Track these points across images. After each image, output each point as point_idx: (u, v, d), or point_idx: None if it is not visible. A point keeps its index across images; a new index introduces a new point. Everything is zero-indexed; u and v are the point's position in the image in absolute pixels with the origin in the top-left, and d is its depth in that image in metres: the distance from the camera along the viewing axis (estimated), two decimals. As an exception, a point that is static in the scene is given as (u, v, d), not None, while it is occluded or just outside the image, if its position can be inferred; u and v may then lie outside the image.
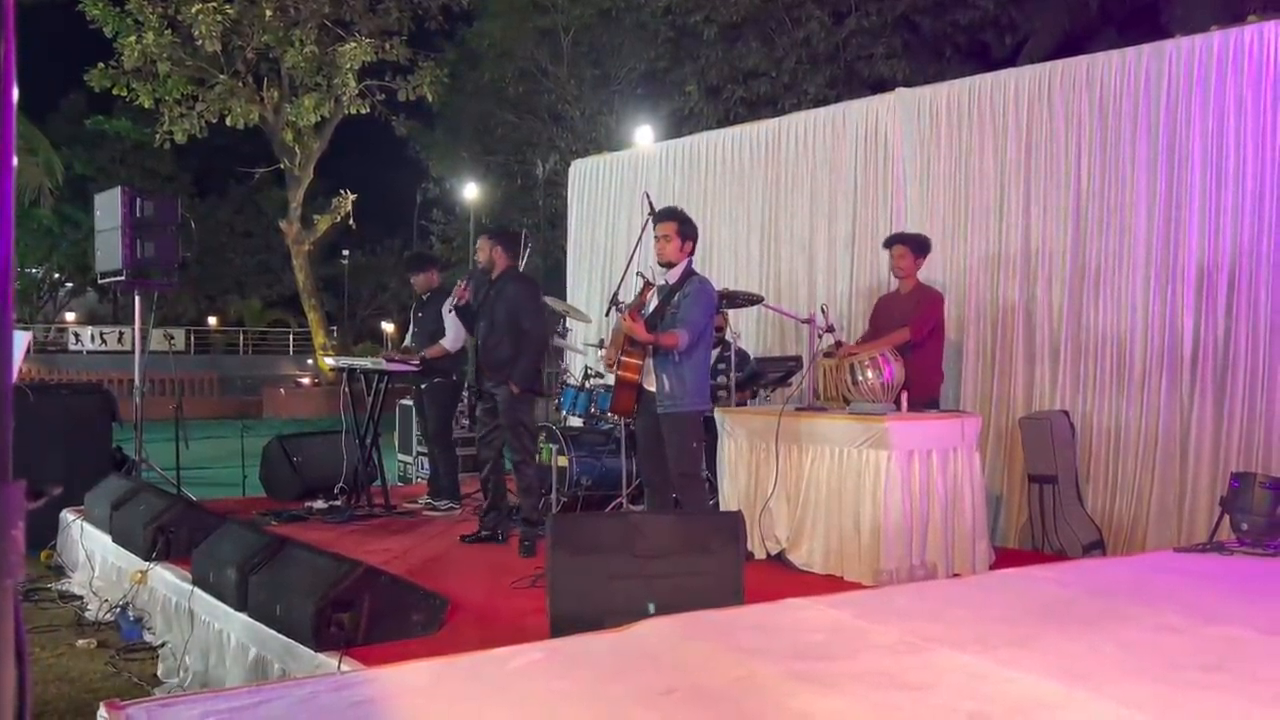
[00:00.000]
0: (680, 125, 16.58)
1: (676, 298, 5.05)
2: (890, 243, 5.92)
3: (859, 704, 2.40)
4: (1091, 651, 2.83)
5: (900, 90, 7.06)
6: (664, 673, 2.64)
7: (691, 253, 5.18)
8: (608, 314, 5.51)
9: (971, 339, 6.42)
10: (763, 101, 16.40)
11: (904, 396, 5.19)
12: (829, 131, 7.36)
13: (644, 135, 15.70)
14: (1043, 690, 2.50)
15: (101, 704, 2.30)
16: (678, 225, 5.13)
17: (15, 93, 0.88)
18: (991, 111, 6.38)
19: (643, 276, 5.32)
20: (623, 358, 5.04)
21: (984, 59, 15.20)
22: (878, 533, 4.81)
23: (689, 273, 5.14)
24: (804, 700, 2.42)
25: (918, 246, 5.81)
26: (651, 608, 3.44)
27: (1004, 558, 5.39)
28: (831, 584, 4.77)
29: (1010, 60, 13.67)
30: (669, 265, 5.14)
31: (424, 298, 7.23)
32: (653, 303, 5.17)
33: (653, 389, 5.04)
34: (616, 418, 6.30)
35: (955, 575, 4.94)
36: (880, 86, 12.67)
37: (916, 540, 4.91)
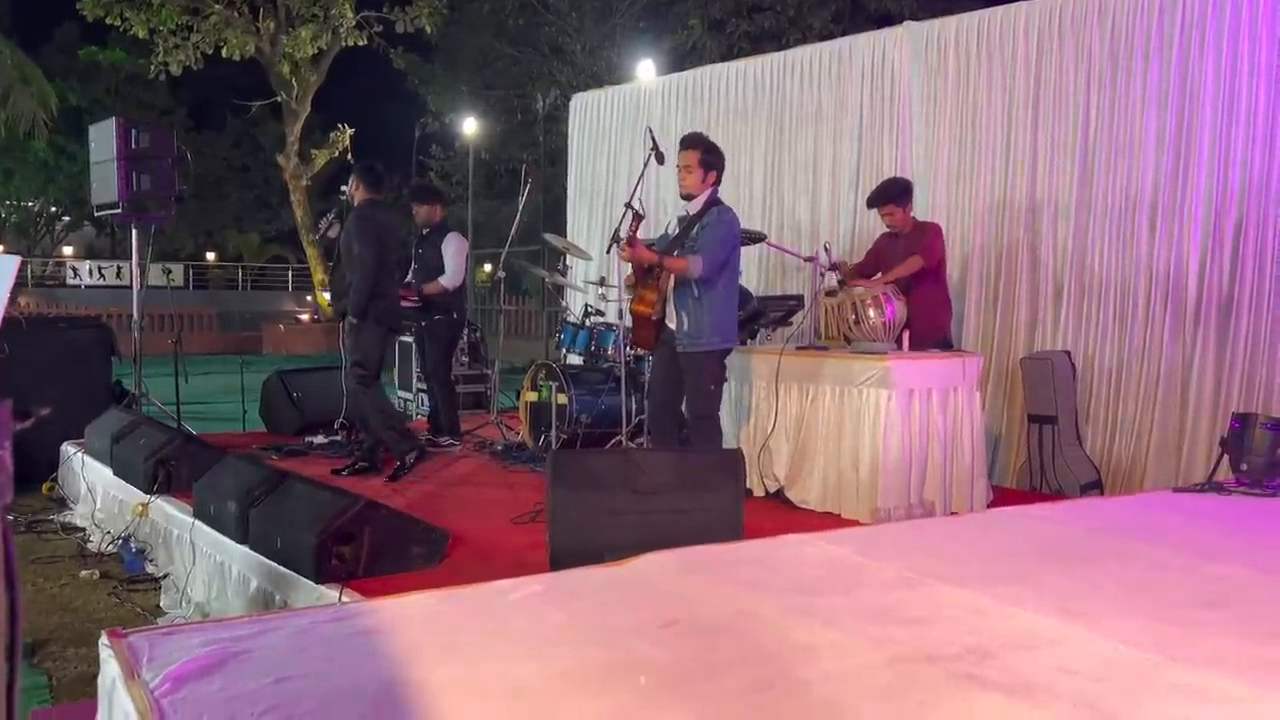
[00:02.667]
0: (683, 60, 16.30)
1: (696, 229, 4.86)
2: (873, 204, 5.72)
3: (859, 638, 2.41)
4: (1090, 588, 2.84)
5: (908, 24, 6.92)
6: (664, 606, 2.65)
7: (716, 183, 4.93)
8: (608, 251, 5.41)
9: (975, 277, 6.38)
10: (767, 36, 16.13)
11: (906, 335, 5.16)
12: (835, 66, 7.24)
13: (646, 70, 15.44)
14: (1041, 626, 2.51)
15: (104, 632, 2.31)
16: (700, 154, 4.85)
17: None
18: (1000, 46, 6.26)
19: (630, 208, 5.00)
20: (638, 290, 4.88)
21: (994, -8, 14.89)
22: (876, 471, 4.82)
23: (712, 202, 4.89)
24: (804, 634, 2.43)
25: (901, 197, 5.63)
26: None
27: (1002, 497, 5.41)
28: (829, 521, 4.80)
29: (1020, -5, 13.36)
30: (690, 198, 4.92)
31: (424, 232, 7.16)
32: (673, 232, 5.03)
33: (672, 325, 4.91)
34: (616, 357, 6.28)
35: (953, 514, 4.97)
36: (886, 21, 12.42)
37: (915, 479, 4.93)
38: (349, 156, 21.71)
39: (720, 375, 5.02)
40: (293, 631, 2.42)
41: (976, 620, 2.55)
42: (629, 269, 5.13)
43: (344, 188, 6.16)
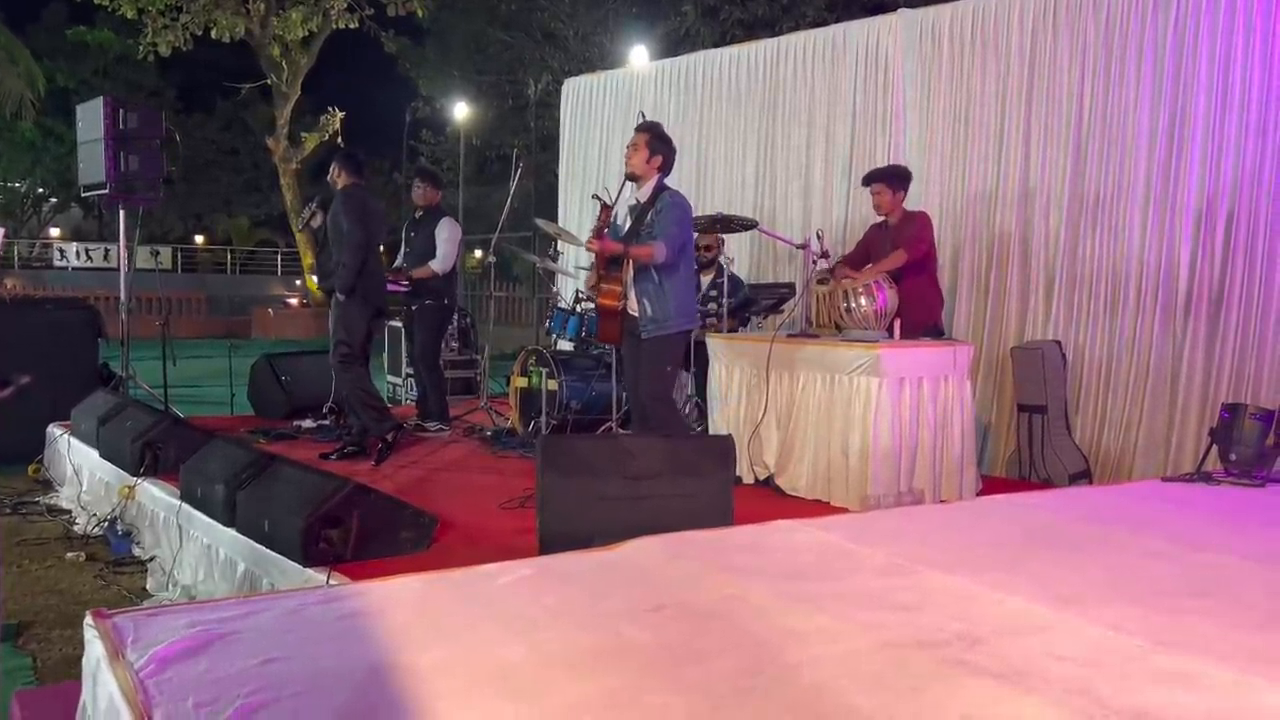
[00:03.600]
0: (676, 46, 16.22)
1: (650, 215, 4.92)
2: (867, 180, 5.75)
3: (848, 624, 2.41)
4: (1079, 576, 2.84)
5: (902, 11, 6.90)
6: (653, 590, 2.65)
7: (661, 169, 5.01)
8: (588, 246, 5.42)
9: (966, 267, 6.38)
10: (760, 23, 16.05)
11: (897, 324, 5.16)
12: (828, 53, 7.21)
13: (639, 56, 15.37)
14: (1030, 612, 2.51)
15: (89, 613, 2.29)
16: (648, 138, 4.99)
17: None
18: (995, 34, 6.25)
19: (598, 199, 5.16)
20: (602, 284, 4.94)
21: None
22: (866, 459, 4.82)
23: (661, 188, 5.00)
24: (794, 619, 2.43)
25: (896, 181, 5.63)
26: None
27: (991, 486, 5.42)
28: (819, 509, 4.80)
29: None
30: (634, 179, 5.01)
31: (417, 216, 7.12)
32: (626, 223, 5.07)
33: (635, 313, 4.96)
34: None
35: (942, 502, 4.97)
36: (880, 9, 12.37)
37: (905, 467, 4.93)
38: (339, 140, 21.61)
39: (680, 356, 5.14)
40: (280, 613, 2.40)
41: (966, 606, 2.55)
42: (588, 271, 5.19)
43: (329, 176, 6.13)
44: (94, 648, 2.18)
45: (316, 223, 6.18)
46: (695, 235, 6.59)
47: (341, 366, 5.92)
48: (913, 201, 5.82)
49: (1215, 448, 4.72)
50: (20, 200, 33.35)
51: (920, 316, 5.42)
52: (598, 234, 4.94)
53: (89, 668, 2.19)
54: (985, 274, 6.31)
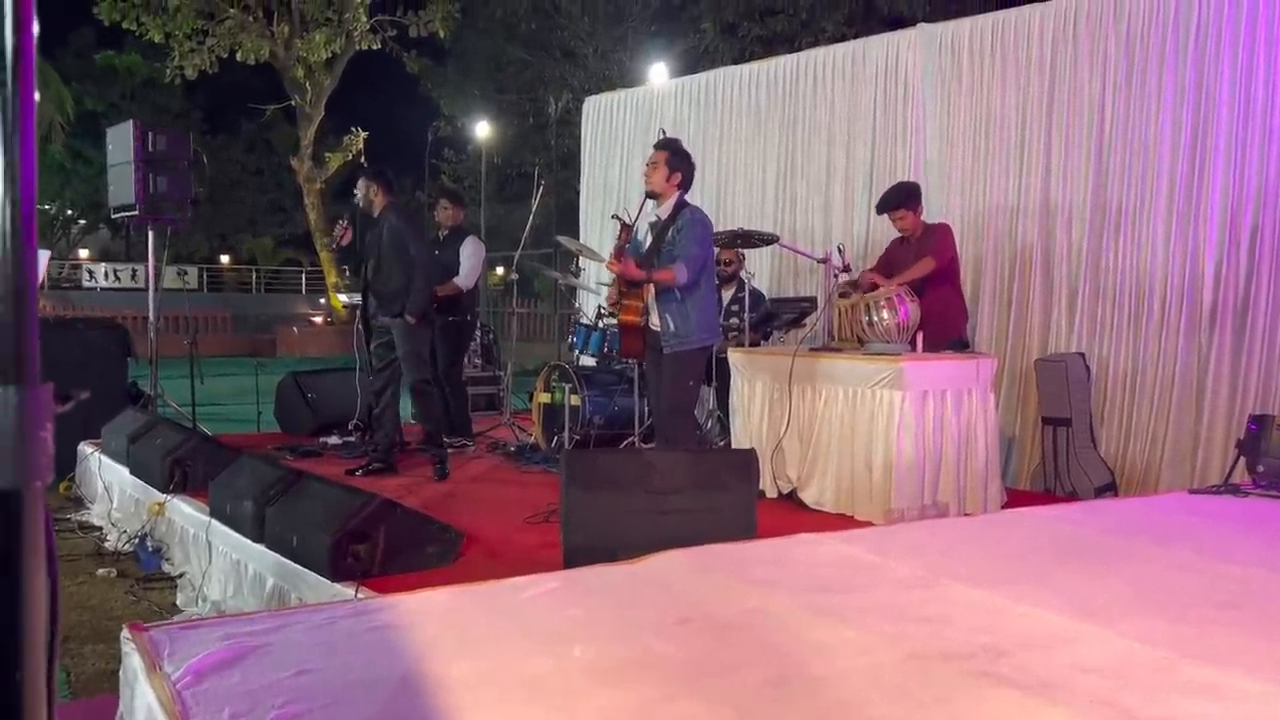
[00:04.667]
0: (695, 64, 16.32)
1: (670, 232, 4.93)
2: (883, 209, 5.71)
3: (873, 636, 2.42)
4: (1104, 588, 2.84)
5: (921, 25, 6.92)
6: (678, 602, 2.66)
7: (680, 186, 5.02)
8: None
9: (989, 280, 6.37)
10: (779, 39, 16.11)
11: (919, 337, 5.16)
12: (848, 68, 7.24)
13: (658, 73, 15.47)
14: (1056, 624, 2.51)
15: (125, 626, 2.33)
16: (667, 155, 5.00)
17: (36, 26, 0.88)
18: (1015, 47, 6.26)
19: (618, 219, 5.20)
20: (623, 300, 4.97)
21: (1007, -4, 14.87)
22: (890, 472, 4.82)
23: (681, 204, 5.01)
24: (819, 632, 2.44)
25: (911, 200, 5.62)
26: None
27: (1016, 499, 5.40)
28: (842, 523, 4.79)
29: (1034, -2, 13.35)
30: (653, 196, 5.03)
31: (442, 236, 7.20)
32: (648, 239, 5.10)
33: (658, 328, 4.98)
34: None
35: (966, 515, 4.95)
36: (899, 24, 12.43)
37: (929, 480, 4.92)
38: (362, 160, 21.85)
39: (702, 370, 5.16)
40: (311, 626, 2.44)
41: (991, 619, 2.55)
42: (609, 288, 5.23)
43: (355, 192, 6.14)
44: (131, 660, 2.22)
45: (346, 240, 6.15)
46: (716, 251, 6.63)
47: (424, 397, 5.97)
48: (934, 214, 5.83)
49: (1242, 459, 4.69)
50: (50, 222, 33.84)
51: (944, 329, 5.42)
52: (619, 254, 4.97)
53: (126, 680, 2.23)
54: (1008, 286, 6.30)
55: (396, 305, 5.82)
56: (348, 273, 6.86)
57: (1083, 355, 5.80)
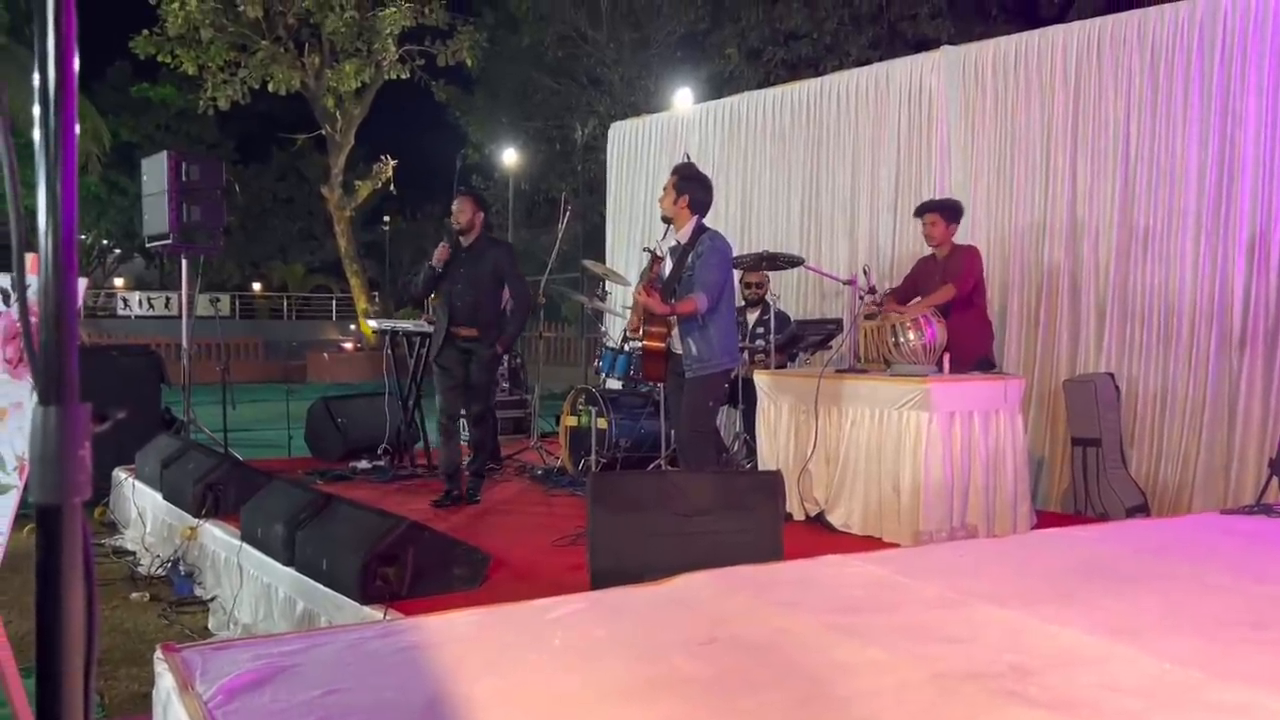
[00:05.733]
0: (720, 89, 16.41)
1: (690, 258, 4.95)
2: (921, 211, 5.77)
3: (900, 656, 2.41)
4: (1134, 608, 2.81)
5: (945, 48, 6.95)
6: (704, 623, 2.67)
7: (692, 208, 5.02)
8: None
9: (1016, 301, 6.35)
10: (804, 64, 16.18)
11: (946, 358, 5.15)
12: (872, 91, 7.27)
13: (683, 98, 15.57)
14: (1085, 644, 2.49)
15: (158, 646, 2.37)
16: (676, 179, 5.04)
17: (77, 61, 0.92)
18: (1039, 69, 6.26)
19: (649, 251, 5.26)
20: (646, 327, 5.01)
21: (1031, 18, 14.86)
22: (918, 494, 4.80)
23: (700, 229, 5.02)
24: (845, 652, 2.44)
25: (949, 213, 5.65)
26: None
27: (1045, 520, 5.35)
28: (870, 545, 4.77)
29: (1058, 19, 13.33)
30: (668, 221, 5.08)
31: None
32: (668, 265, 5.13)
33: (680, 352, 5.00)
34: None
35: (995, 537, 4.92)
36: (924, 47, 12.47)
37: (957, 502, 4.90)
38: (391, 188, 22.09)
39: (723, 392, 5.18)
40: (341, 647, 2.47)
41: (1019, 639, 2.54)
42: (632, 313, 5.27)
43: (449, 222, 5.93)
44: (164, 680, 2.26)
45: (443, 261, 5.79)
46: (741, 273, 6.65)
47: (486, 426, 6.05)
48: (960, 236, 5.83)
49: (1275, 479, 4.63)
50: (86, 252, 34.43)
51: (970, 350, 5.40)
52: (649, 286, 4.98)
53: (159, 699, 2.26)
54: (1035, 307, 6.28)
55: (490, 334, 5.80)
56: (430, 294, 6.50)
57: (1112, 375, 5.76)
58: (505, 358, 8.09)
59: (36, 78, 0.89)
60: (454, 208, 5.95)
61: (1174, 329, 5.65)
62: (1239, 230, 5.40)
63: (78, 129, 0.94)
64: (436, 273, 5.83)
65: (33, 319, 0.88)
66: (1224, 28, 5.45)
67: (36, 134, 0.88)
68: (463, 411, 6.00)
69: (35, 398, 0.89)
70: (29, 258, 0.89)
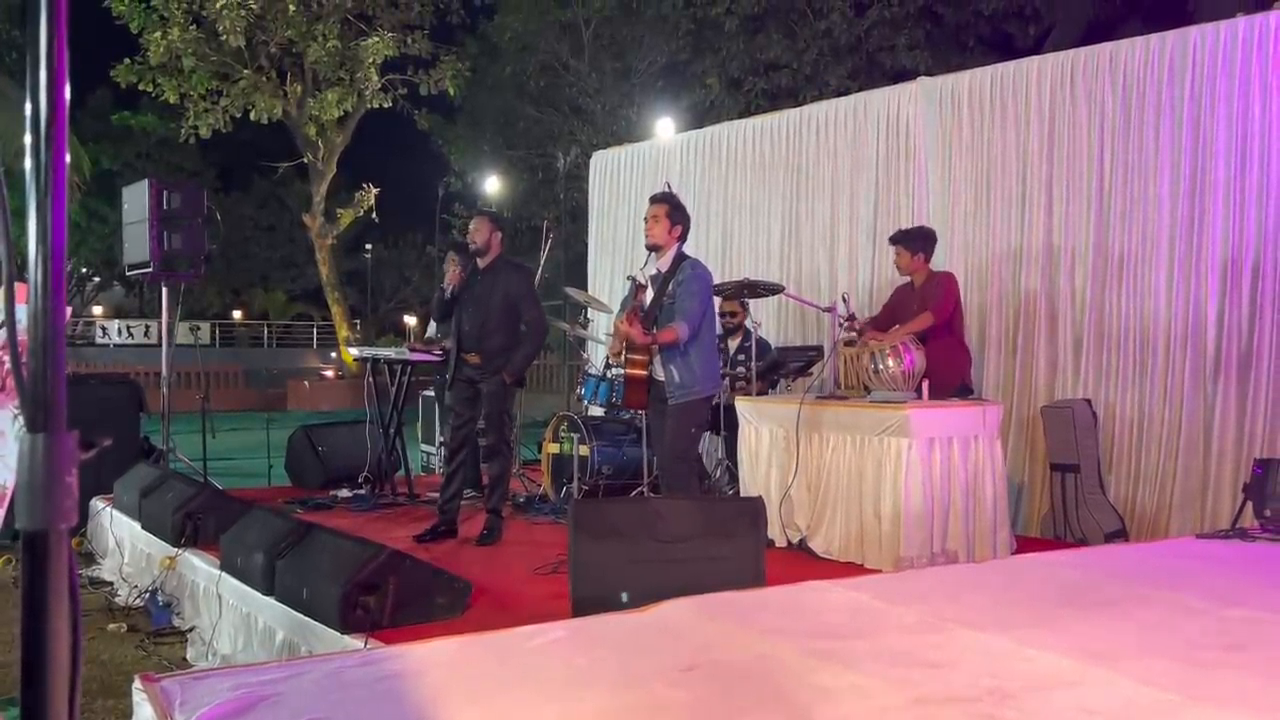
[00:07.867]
0: (701, 118, 16.56)
1: (671, 286, 5.00)
2: (890, 241, 5.86)
3: (879, 681, 2.42)
4: (1111, 632, 2.84)
5: (922, 79, 7.05)
6: (685, 650, 2.68)
7: (680, 239, 5.10)
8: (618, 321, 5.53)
9: (994, 328, 6.41)
10: (784, 93, 16.37)
11: (925, 385, 5.19)
12: (851, 121, 7.36)
13: (665, 128, 15.69)
14: (1062, 668, 2.51)
15: (137, 676, 2.36)
16: (668, 209, 5.07)
17: (68, 91, 0.94)
18: (1014, 99, 6.36)
19: (633, 279, 5.27)
20: (628, 355, 5.03)
21: (1007, 49, 15.11)
22: (898, 520, 4.82)
23: (680, 257, 5.08)
24: (825, 677, 2.45)
25: (915, 243, 5.69)
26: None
27: (1025, 546, 5.39)
28: (852, 571, 4.78)
29: (1034, 51, 13.55)
30: (654, 249, 5.09)
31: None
32: (649, 293, 5.16)
33: (662, 378, 5.03)
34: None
35: (974, 563, 4.94)
36: (902, 78, 12.64)
37: (937, 528, 4.92)
38: (373, 215, 22.12)
39: (703, 419, 5.19)
40: (320, 676, 2.46)
41: (997, 663, 2.56)
42: (613, 320, 5.28)
43: (477, 238, 5.61)
44: (143, 710, 2.24)
45: (454, 284, 5.66)
46: (721, 302, 6.69)
47: (501, 459, 5.66)
48: (938, 263, 5.89)
49: (1250, 504, 4.69)
50: (66, 280, 34.25)
51: (948, 377, 5.45)
52: (632, 316, 4.99)
53: (137, 730, 2.25)
54: (1013, 333, 6.34)
55: (496, 364, 5.51)
56: (443, 319, 6.19)
57: (1089, 401, 5.82)
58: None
59: (28, 107, 0.91)
60: (470, 227, 5.75)
61: (1149, 355, 5.72)
62: (1211, 258, 5.49)
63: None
64: (449, 297, 5.65)
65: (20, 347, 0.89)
66: (1194, 60, 5.56)
67: (27, 163, 0.90)
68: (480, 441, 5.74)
69: (19, 425, 0.91)
70: (16, 286, 0.91)
